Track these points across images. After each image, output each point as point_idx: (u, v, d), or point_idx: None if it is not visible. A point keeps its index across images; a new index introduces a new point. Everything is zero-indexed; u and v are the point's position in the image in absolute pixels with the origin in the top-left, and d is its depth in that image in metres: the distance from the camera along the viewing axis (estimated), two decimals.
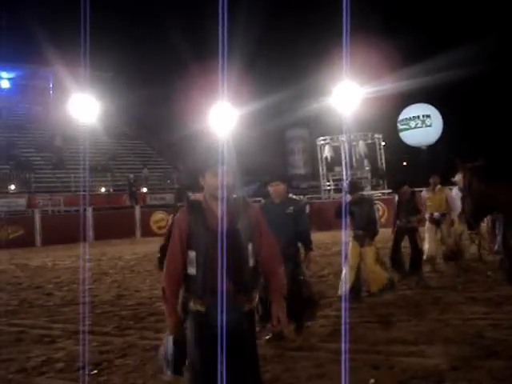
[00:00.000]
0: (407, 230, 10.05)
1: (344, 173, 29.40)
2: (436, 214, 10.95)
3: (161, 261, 5.70)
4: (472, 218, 5.22)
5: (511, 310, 7.14)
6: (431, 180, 11.19)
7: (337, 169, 31.56)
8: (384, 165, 31.88)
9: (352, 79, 28.10)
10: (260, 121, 36.32)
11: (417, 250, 10.01)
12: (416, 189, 12.51)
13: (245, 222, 3.50)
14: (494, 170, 5.19)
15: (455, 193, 11.37)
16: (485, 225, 11.47)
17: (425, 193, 11.24)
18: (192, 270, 3.45)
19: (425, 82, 32.14)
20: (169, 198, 34.50)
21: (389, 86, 32.25)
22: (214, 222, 3.42)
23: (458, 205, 11.13)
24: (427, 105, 33.30)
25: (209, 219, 3.46)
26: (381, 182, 31.17)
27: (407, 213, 10.03)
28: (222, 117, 30.83)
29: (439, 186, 11.10)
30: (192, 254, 3.45)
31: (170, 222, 5.36)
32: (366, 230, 8.52)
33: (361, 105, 29.43)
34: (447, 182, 12.43)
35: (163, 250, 5.56)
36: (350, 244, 8.66)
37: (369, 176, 30.73)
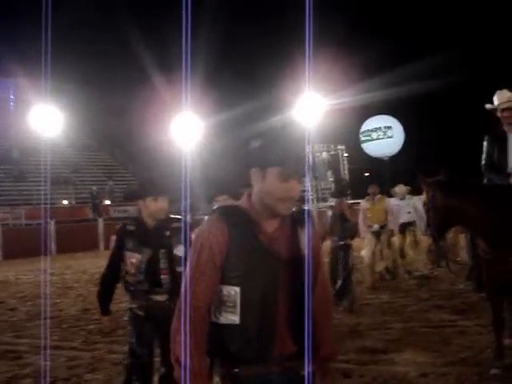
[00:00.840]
0: (341, 248, 8.76)
1: (308, 184, 29.59)
2: (375, 227, 10.50)
3: (103, 299, 4.43)
4: (437, 231, 5.31)
5: (476, 317, 7.27)
6: (370, 190, 10.79)
7: None
8: (347, 176, 32.22)
9: (315, 91, 28.38)
10: (224, 133, 36.35)
11: (347, 271, 8.66)
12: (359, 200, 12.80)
13: (311, 247, 2.29)
14: (457, 184, 5.34)
15: (394, 203, 11.63)
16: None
17: (364, 203, 10.85)
18: (230, 318, 2.15)
19: (387, 94, 32.72)
20: (132, 210, 34.21)
21: (351, 97, 32.70)
22: (273, 244, 2.21)
23: (396, 216, 11.13)
24: (388, 116, 33.80)
25: (265, 239, 2.20)
26: (347, 192, 31.44)
27: (342, 229, 8.77)
28: (186, 128, 30.74)
29: (379, 195, 10.73)
30: (232, 292, 2.15)
31: (112, 241, 4.38)
32: None
33: (323, 116, 29.73)
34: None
35: (106, 282, 4.35)
36: None
37: (332, 187, 30.97)
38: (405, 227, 11.56)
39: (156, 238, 4.13)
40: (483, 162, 5.69)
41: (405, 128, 33.69)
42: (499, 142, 5.56)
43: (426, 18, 40.01)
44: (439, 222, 5.09)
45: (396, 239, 11.38)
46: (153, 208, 4.12)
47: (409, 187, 11.98)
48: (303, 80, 27.75)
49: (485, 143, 5.71)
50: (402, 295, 9.66)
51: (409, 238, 11.65)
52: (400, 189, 12.13)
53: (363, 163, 38.06)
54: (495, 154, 5.57)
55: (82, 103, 37.18)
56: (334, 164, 32.11)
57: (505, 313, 5.19)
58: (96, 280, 14.53)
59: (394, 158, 35.31)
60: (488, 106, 5.70)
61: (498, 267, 4.82)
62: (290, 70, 29.11)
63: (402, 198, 11.92)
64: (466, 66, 37.99)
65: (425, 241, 11.80)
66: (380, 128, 33.04)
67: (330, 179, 31.45)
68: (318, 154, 31.69)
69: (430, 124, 40.98)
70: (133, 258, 4.11)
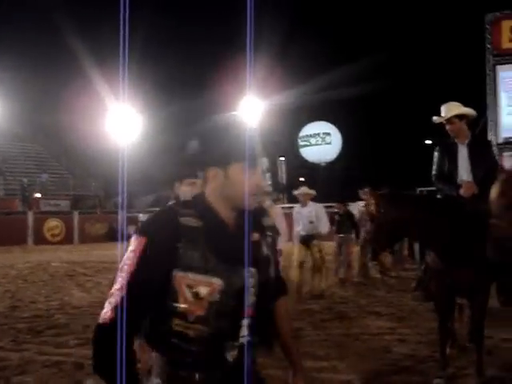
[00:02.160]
0: None
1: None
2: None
3: (110, 367, 1.75)
4: (383, 245, 5.28)
5: (415, 325, 7.33)
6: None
7: None
8: (284, 179, 32.39)
9: (254, 95, 28.40)
10: (164, 131, 35.88)
11: None
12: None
13: None
14: (407, 196, 5.39)
15: (296, 211, 10.44)
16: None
17: None
18: None
19: (324, 100, 33.14)
20: (64, 204, 33.29)
21: (290, 102, 32.95)
22: None
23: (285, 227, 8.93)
24: (327, 123, 34.26)
25: None
26: (281, 196, 31.58)
27: None
28: (123, 123, 30.08)
29: (269, 203, 8.88)
30: None
31: (135, 245, 1.85)
32: None
33: (262, 120, 29.79)
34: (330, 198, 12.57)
35: (114, 335, 1.72)
36: None
37: (270, 190, 31.06)
38: (308, 240, 10.13)
39: (241, 245, 1.92)
40: (434, 173, 5.75)
41: (343, 135, 34.24)
42: (449, 153, 5.61)
43: (363, 21, 40.78)
44: (388, 234, 5.03)
45: (295, 252, 10.12)
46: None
47: (312, 191, 10.53)
48: (243, 84, 27.79)
49: (435, 154, 5.76)
50: (340, 301, 9.68)
51: (314, 255, 10.18)
52: (304, 190, 10.38)
53: (300, 168, 38.41)
54: (445, 164, 5.61)
55: (15, 92, 35.90)
56: (271, 168, 32.23)
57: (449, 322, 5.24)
58: (24, 276, 14.06)
59: (330, 164, 35.82)
60: (435, 118, 5.75)
61: (449, 278, 4.83)
62: (229, 73, 29.06)
63: (304, 205, 10.27)
64: (400, 72, 39.03)
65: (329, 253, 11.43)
66: (319, 134, 33.47)
67: (268, 183, 31.56)
68: None
69: (367, 131, 41.75)
70: (203, 287, 1.91)
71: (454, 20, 34.33)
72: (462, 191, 5.31)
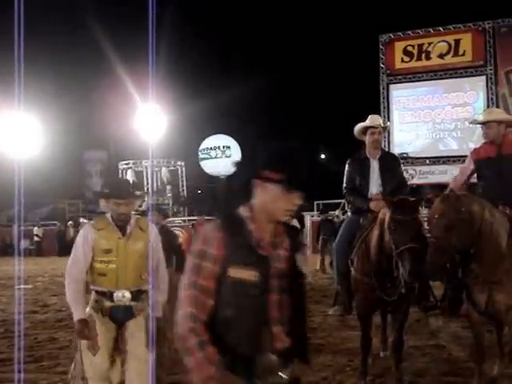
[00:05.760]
0: None
1: (148, 198, 29.06)
2: None
3: None
4: None
5: (328, 335, 7.49)
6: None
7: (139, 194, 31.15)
8: (185, 192, 32.28)
9: (156, 105, 28.16)
10: (58, 140, 34.71)
11: None
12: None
13: None
14: None
15: None
16: None
17: None
18: None
19: (225, 113, 33.42)
20: None
21: (192, 114, 32.99)
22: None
23: None
24: (227, 136, 34.53)
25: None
26: (181, 209, 31.44)
27: None
28: (16, 132, 28.64)
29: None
30: None
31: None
32: None
33: (164, 131, 29.56)
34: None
35: None
36: None
37: (170, 202, 30.82)
38: None
39: None
40: (345, 185, 5.87)
41: (242, 148, 34.64)
42: (361, 167, 5.77)
43: (263, 38, 41.56)
44: None
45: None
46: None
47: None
48: (144, 93, 27.47)
49: (347, 167, 5.89)
50: None
51: None
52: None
53: (201, 180, 38.41)
54: (356, 178, 5.76)
55: None
56: (173, 180, 32.01)
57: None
58: None
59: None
60: (361, 124, 5.83)
61: (375, 293, 4.94)
62: (130, 81, 28.61)
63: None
64: (299, 88, 40.18)
65: None
66: (219, 147, 33.63)
67: (169, 195, 31.29)
68: (158, 169, 31.45)
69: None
70: None
71: (350, 39, 35.72)
72: (371, 205, 5.48)
